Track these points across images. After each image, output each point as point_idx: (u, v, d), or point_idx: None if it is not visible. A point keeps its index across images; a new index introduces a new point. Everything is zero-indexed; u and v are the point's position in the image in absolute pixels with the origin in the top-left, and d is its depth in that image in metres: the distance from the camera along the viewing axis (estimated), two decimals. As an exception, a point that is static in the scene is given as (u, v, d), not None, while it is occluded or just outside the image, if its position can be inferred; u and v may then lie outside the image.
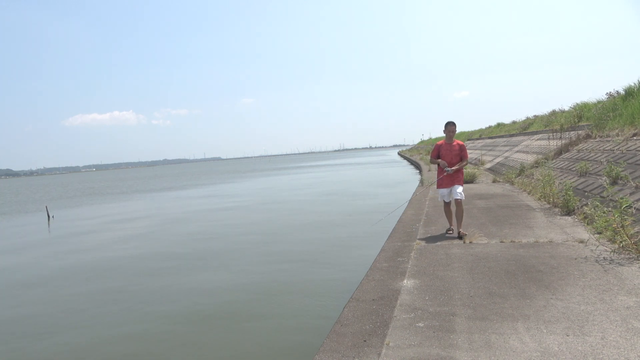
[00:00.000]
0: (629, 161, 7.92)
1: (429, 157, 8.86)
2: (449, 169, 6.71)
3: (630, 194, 6.66)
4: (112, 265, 10.88)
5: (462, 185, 6.84)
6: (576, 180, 9.15)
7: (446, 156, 6.86)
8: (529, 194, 10.61)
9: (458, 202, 6.70)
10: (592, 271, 4.63)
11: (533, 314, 3.68)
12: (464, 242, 6.33)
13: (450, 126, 6.88)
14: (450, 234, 7.01)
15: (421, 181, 16.68)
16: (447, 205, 7.12)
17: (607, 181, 7.53)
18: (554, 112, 19.68)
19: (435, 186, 7.21)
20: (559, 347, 3.07)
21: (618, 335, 3.18)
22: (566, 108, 18.19)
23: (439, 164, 6.94)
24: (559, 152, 12.59)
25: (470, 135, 42.62)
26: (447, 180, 6.87)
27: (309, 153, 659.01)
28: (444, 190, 6.96)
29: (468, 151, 9.47)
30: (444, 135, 7.02)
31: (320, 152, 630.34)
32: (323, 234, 12.67)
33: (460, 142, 6.96)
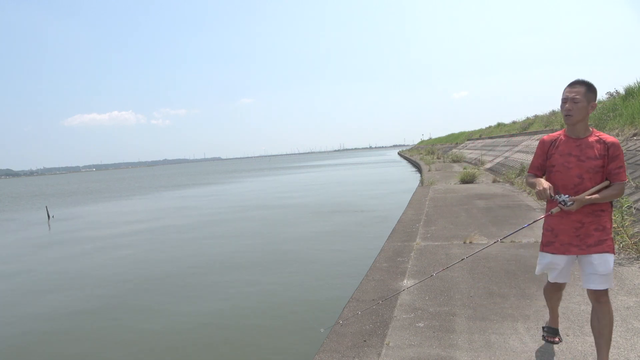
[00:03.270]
0: (629, 161, 7.92)
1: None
2: (565, 198, 2.62)
3: (630, 194, 6.66)
4: (112, 269, 10.89)
5: (611, 253, 2.66)
6: (576, 180, 9.14)
7: (569, 170, 2.70)
8: (529, 194, 10.61)
9: (601, 299, 2.68)
10: (592, 271, 4.63)
11: (533, 314, 3.68)
12: None
13: (574, 86, 2.70)
14: (553, 341, 3.10)
15: (421, 181, 16.60)
16: (554, 287, 2.99)
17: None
18: (554, 112, 19.69)
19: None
20: (559, 347, 3.07)
21: (618, 335, 3.18)
22: (566, 108, 18.21)
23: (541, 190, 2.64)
24: (559, 152, 12.59)
25: (470, 135, 42.65)
26: (565, 232, 2.73)
27: (309, 153, 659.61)
28: (556, 258, 2.78)
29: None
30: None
31: (320, 152, 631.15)
32: (322, 234, 12.66)
33: (610, 138, 2.68)
